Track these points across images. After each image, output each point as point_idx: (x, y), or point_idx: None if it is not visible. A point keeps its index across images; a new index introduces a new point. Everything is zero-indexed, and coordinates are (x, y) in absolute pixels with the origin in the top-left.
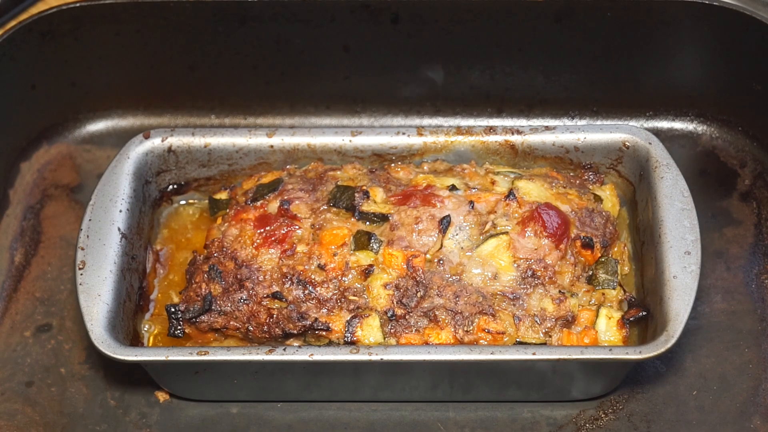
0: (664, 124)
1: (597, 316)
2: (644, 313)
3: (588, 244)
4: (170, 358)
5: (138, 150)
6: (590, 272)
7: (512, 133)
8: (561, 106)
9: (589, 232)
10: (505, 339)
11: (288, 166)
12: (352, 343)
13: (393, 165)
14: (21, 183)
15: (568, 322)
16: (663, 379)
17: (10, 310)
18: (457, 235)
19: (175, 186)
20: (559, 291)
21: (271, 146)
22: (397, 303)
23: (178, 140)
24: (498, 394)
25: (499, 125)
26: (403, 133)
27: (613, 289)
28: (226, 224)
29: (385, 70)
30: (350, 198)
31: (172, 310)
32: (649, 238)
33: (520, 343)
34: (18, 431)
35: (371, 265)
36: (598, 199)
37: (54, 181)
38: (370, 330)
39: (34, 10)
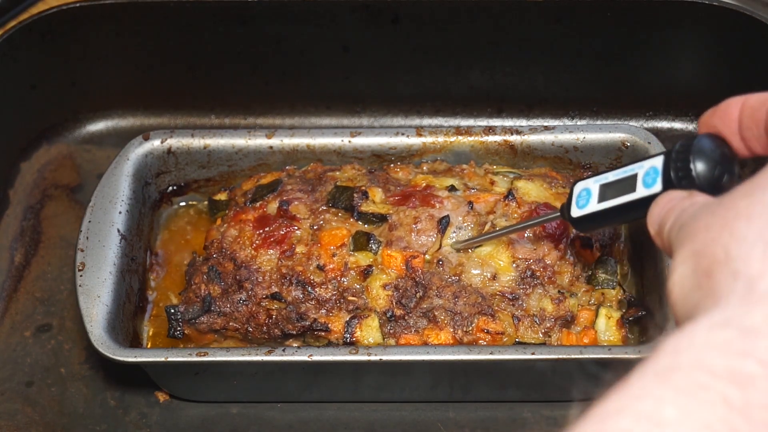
0: (664, 124)
1: (596, 315)
2: (643, 312)
3: (587, 244)
4: (169, 359)
5: (137, 152)
6: (589, 272)
7: (511, 133)
8: (561, 106)
9: None
10: (505, 339)
11: (287, 167)
12: (352, 343)
13: (392, 165)
14: (21, 183)
15: (567, 322)
16: None
17: (10, 310)
18: (456, 235)
19: (174, 187)
20: (559, 291)
21: (271, 147)
22: (396, 303)
23: (177, 142)
24: (498, 394)
25: (498, 125)
26: (402, 134)
27: (613, 288)
28: (225, 225)
29: (385, 70)
30: (349, 198)
31: (172, 311)
32: (649, 238)
33: (520, 343)
34: (18, 431)
35: (370, 266)
36: None
37: (54, 181)
38: (370, 330)
39: (34, 10)
